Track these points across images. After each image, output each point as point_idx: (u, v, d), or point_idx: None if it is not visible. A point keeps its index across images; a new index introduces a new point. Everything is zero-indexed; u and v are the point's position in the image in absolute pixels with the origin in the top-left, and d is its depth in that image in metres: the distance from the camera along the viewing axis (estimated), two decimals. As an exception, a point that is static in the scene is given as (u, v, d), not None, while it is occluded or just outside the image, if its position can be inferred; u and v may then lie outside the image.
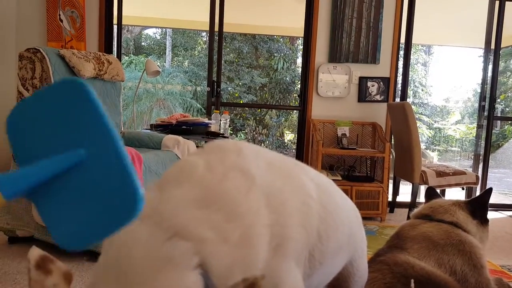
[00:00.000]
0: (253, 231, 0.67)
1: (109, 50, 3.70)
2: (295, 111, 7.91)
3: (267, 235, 0.69)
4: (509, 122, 10.56)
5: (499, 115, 10.34)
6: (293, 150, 4.18)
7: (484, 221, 1.26)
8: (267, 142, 10.69)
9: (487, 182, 4.27)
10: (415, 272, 1.06)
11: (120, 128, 2.99)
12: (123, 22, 4.02)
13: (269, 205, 0.72)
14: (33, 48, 2.33)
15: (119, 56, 3.92)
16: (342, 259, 0.95)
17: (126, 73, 8.40)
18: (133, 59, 10.73)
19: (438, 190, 3.59)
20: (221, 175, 0.71)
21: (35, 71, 2.34)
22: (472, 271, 1.11)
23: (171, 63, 11.64)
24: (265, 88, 10.86)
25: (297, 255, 0.76)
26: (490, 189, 1.27)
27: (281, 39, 10.48)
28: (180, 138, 2.71)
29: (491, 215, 3.87)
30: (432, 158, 7.22)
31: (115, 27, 3.84)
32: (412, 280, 1.03)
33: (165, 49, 11.51)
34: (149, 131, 3.08)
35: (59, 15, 3.53)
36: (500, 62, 4.84)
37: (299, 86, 4.16)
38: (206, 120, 3.17)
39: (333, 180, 3.46)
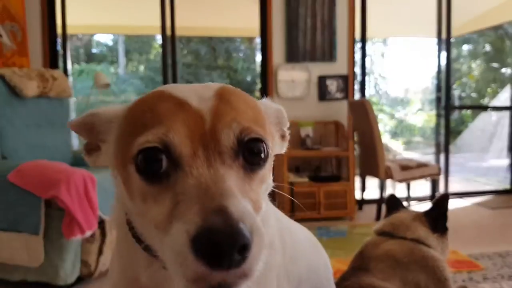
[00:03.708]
0: None
1: (54, 63, 3.52)
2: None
3: None
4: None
5: (456, 101, 10.78)
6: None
7: (443, 232, 1.27)
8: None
9: (450, 168, 4.39)
10: None
11: (72, 147, 2.83)
12: (70, 32, 3.84)
13: None
14: (-33, 69, 2.16)
15: (66, 68, 3.72)
16: None
17: (78, 83, 8.07)
18: (84, 68, 10.34)
19: (403, 184, 3.67)
20: None
21: (-29, 94, 2.16)
22: (436, 285, 1.14)
23: (126, 70, 11.31)
24: (226, 90, 10.77)
25: None
26: (447, 196, 1.28)
27: (238, 39, 10.43)
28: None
29: (456, 203, 3.99)
30: (396, 150, 7.38)
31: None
32: None
33: (118, 55, 11.16)
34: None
35: (-1, 30, 3.31)
36: (453, 49, 4.99)
37: (260, 84, 4.12)
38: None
39: (300, 182, 3.42)
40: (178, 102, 0.49)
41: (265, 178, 0.52)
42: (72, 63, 3.82)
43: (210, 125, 0.47)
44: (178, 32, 3.85)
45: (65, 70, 3.68)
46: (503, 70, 10.09)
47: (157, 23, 3.81)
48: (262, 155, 0.50)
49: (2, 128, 2.22)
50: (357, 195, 3.80)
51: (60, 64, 3.63)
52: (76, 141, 2.88)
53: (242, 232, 0.40)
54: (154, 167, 0.46)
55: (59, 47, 3.59)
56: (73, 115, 2.84)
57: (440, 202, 1.29)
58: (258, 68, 4.25)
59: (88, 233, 1.92)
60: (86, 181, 1.97)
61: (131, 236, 0.57)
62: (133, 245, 0.58)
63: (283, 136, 0.66)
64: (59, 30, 3.59)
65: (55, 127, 2.61)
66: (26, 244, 1.91)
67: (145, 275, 0.59)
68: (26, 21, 3.35)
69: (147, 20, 4.73)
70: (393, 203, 1.40)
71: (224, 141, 0.47)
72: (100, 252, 2.10)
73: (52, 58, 3.50)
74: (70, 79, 3.15)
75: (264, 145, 0.50)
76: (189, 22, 4.58)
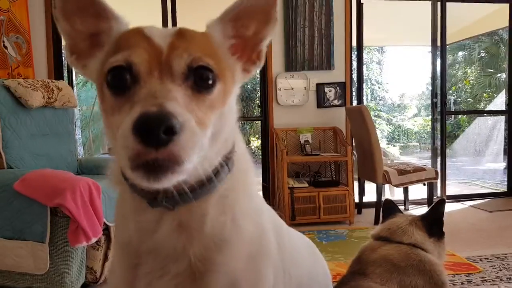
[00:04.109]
0: None
1: (59, 74, 3.57)
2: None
3: None
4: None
5: (452, 106, 10.86)
6: (260, 157, 4.18)
7: (440, 236, 1.29)
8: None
9: (447, 172, 4.44)
10: None
11: (77, 155, 2.88)
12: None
13: None
14: (-26, 81, 2.21)
15: (71, 79, 3.77)
16: None
17: (82, 93, 8.12)
18: (88, 78, 10.40)
19: (401, 188, 3.71)
20: None
21: (-22, 105, 2.21)
22: None
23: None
24: (227, 97, 10.81)
25: None
26: (443, 201, 1.30)
27: (238, 48, 10.49)
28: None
29: (452, 206, 4.03)
30: (393, 155, 7.42)
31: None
32: None
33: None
34: (107, 155, 2.98)
35: (3, 41, 3.36)
36: (448, 55, 5.06)
37: (260, 92, 4.18)
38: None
39: (300, 187, 3.45)
40: (145, 37, 0.59)
41: (215, 104, 0.60)
42: (76, 73, 3.86)
43: (165, 55, 0.57)
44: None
45: (69, 81, 3.73)
46: (498, 75, 10.18)
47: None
48: (210, 82, 0.59)
49: (8, 138, 2.26)
50: (356, 199, 3.84)
51: (65, 74, 3.68)
52: (81, 150, 2.92)
53: (169, 116, 0.49)
54: (120, 82, 0.57)
55: (63, 58, 3.64)
56: (77, 125, 2.88)
57: (436, 207, 1.32)
58: (257, 77, 4.30)
59: (93, 240, 1.96)
60: (91, 189, 2.00)
61: (123, 179, 0.65)
62: (123, 187, 0.67)
63: (258, 54, 0.72)
64: (63, 41, 3.64)
65: (60, 137, 2.65)
66: (32, 252, 1.93)
67: (134, 226, 0.67)
68: (30, 33, 3.40)
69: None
70: (390, 208, 1.42)
71: (175, 67, 0.57)
72: (105, 258, 2.13)
73: (57, 69, 3.54)
74: (75, 89, 3.20)
75: (211, 73, 0.59)
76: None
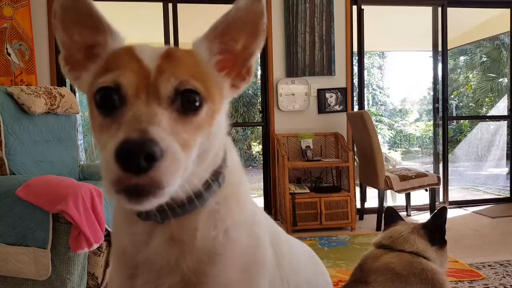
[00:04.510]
0: None
1: (61, 80, 3.59)
2: (259, 124, 7.88)
3: None
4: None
5: (453, 111, 10.86)
6: (262, 162, 4.19)
7: (442, 244, 1.29)
8: (235, 156, 10.66)
9: (449, 178, 4.43)
10: None
11: (79, 162, 2.89)
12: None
13: None
14: (-22, 88, 2.22)
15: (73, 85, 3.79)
16: None
17: (83, 99, 8.14)
18: (91, 84, 10.45)
19: (403, 194, 3.70)
20: None
21: (-19, 111, 2.22)
22: None
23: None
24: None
25: None
26: (445, 209, 1.30)
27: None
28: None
29: (455, 212, 4.02)
30: (395, 160, 7.40)
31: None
32: None
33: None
34: (109, 161, 2.99)
35: (6, 48, 3.39)
36: (449, 60, 5.07)
37: (261, 98, 4.19)
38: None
39: (301, 193, 3.45)
40: (135, 58, 0.60)
41: (202, 125, 0.61)
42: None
43: (153, 78, 0.58)
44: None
45: (71, 87, 3.75)
46: (500, 80, 10.18)
47: (161, 40, 3.89)
48: (196, 104, 0.59)
49: (11, 145, 2.27)
50: (358, 205, 3.84)
51: (67, 81, 3.71)
52: (83, 156, 2.93)
53: (150, 143, 0.50)
54: (108, 102, 0.58)
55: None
56: (79, 131, 2.89)
57: (438, 215, 1.31)
58: (259, 82, 4.32)
59: (95, 246, 1.96)
60: (93, 195, 2.01)
61: None
62: (118, 204, 0.68)
63: (248, 70, 0.72)
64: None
65: (62, 143, 2.66)
66: (34, 258, 1.94)
67: (127, 237, 0.68)
68: (33, 40, 3.44)
69: (151, 37, 4.81)
70: (391, 216, 1.41)
71: (163, 91, 0.57)
72: (107, 264, 2.13)
73: (59, 76, 3.56)
74: (77, 95, 3.22)
75: (198, 95, 0.60)
76: (191, 39, 4.65)
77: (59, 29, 0.66)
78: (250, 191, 0.78)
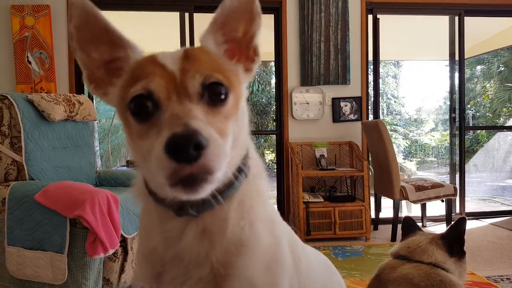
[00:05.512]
0: None
1: (80, 88, 3.66)
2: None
3: None
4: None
5: (470, 121, 10.69)
6: (275, 170, 4.19)
7: (461, 255, 1.27)
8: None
9: (466, 188, 4.36)
10: None
11: (96, 167, 2.93)
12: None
13: None
14: (0, 94, 2.28)
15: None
16: None
17: (101, 106, 8.28)
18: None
19: (418, 204, 3.65)
20: None
21: (3, 118, 2.28)
22: None
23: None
24: (242, 111, 10.90)
25: None
26: (464, 219, 1.28)
27: (254, 62, 10.59)
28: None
29: (472, 224, 3.95)
30: (410, 170, 7.31)
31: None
32: None
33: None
34: (125, 167, 3.03)
35: (27, 57, 3.49)
36: (466, 69, 5.02)
37: (275, 106, 4.21)
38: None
39: (315, 201, 3.43)
40: (159, 64, 0.64)
41: (230, 112, 0.65)
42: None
43: (180, 79, 0.62)
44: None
45: (89, 95, 3.83)
46: (518, 89, 9.99)
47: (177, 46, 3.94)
48: (222, 95, 0.64)
49: (31, 151, 2.33)
50: (372, 215, 3.80)
51: (85, 88, 3.78)
52: (99, 162, 2.97)
53: (195, 133, 0.54)
54: (142, 109, 0.61)
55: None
56: (96, 137, 2.94)
57: (457, 225, 1.29)
58: (272, 90, 4.34)
59: (110, 252, 1.98)
60: (110, 201, 2.03)
61: (147, 192, 0.70)
62: (148, 200, 0.71)
63: (254, 50, 0.75)
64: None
65: (80, 149, 2.71)
66: (51, 262, 1.97)
67: (159, 236, 0.71)
68: (53, 49, 3.52)
69: (168, 47, 4.89)
70: (409, 226, 1.40)
71: (191, 88, 0.62)
72: (121, 269, 2.15)
73: (78, 84, 3.64)
74: (94, 102, 3.28)
75: (223, 86, 0.64)
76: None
77: (77, 49, 0.69)
78: (268, 186, 0.80)
